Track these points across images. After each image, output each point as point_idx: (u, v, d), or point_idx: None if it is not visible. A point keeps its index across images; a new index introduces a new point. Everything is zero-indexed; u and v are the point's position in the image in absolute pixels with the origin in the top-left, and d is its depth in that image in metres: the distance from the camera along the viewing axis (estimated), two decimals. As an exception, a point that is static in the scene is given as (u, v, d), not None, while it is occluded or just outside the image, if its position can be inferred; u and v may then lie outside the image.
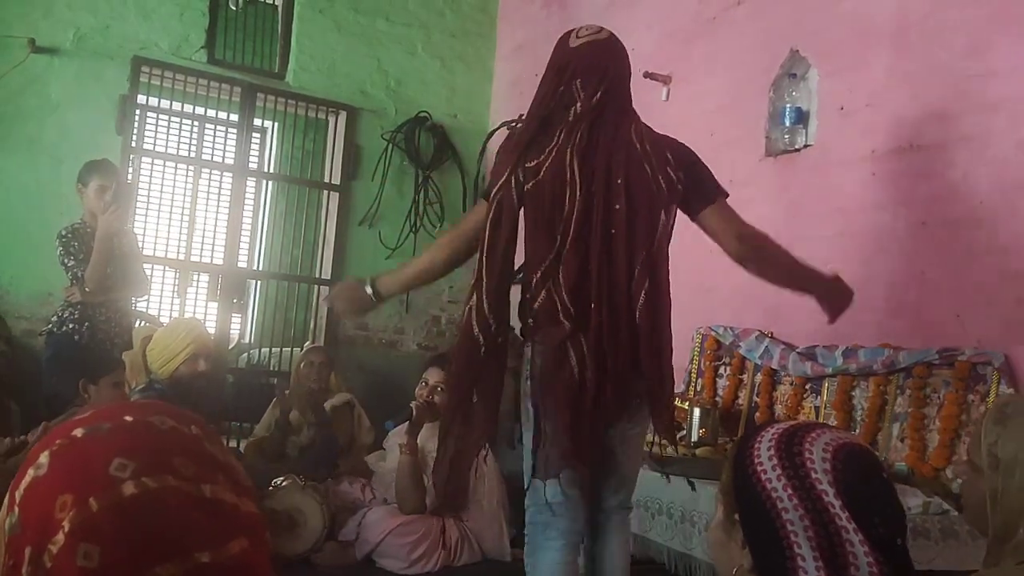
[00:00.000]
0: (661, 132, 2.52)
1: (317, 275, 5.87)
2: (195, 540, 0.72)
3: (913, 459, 3.11)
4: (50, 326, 3.89)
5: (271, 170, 6.60)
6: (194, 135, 5.83)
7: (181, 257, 5.62)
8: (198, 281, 5.71)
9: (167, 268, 5.51)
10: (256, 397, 4.92)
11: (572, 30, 2.48)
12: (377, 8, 5.93)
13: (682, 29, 4.59)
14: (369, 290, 2.57)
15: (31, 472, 0.76)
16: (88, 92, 5.10)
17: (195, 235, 5.57)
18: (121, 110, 5.14)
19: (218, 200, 5.54)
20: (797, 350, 3.64)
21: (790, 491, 1.09)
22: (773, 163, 3.98)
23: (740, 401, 3.91)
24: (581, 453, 2.27)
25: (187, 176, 5.58)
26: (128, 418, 0.79)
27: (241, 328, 6.17)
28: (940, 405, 3.12)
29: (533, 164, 2.33)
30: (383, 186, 5.84)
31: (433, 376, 3.72)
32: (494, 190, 2.37)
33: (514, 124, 4.87)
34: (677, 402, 3.90)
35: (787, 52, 3.93)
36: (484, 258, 2.36)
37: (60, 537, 0.71)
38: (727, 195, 2.47)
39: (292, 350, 5.43)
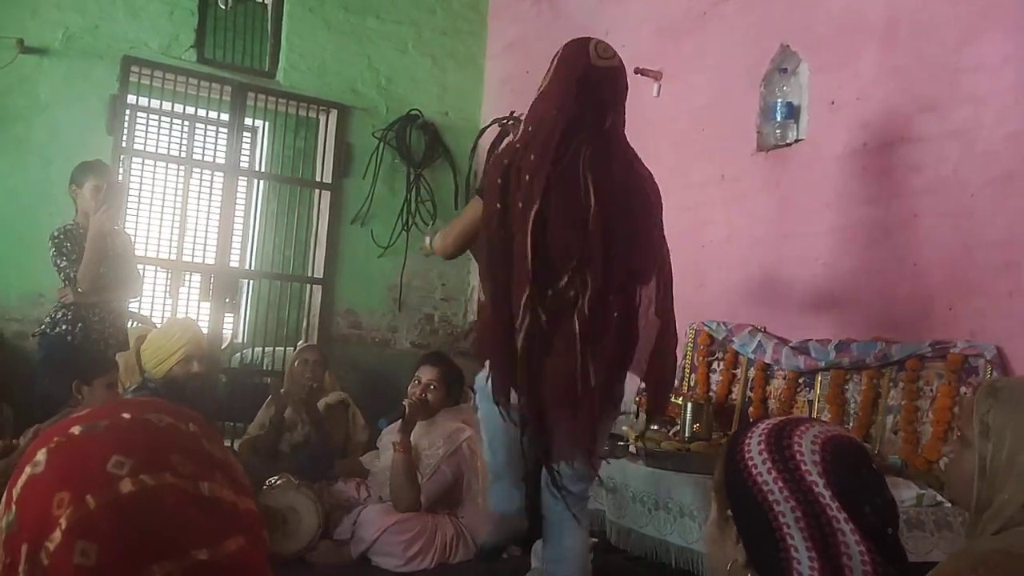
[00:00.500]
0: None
1: (309, 274, 5.87)
2: (193, 538, 0.72)
3: (907, 452, 3.12)
4: (43, 327, 3.87)
5: (262, 169, 6.59)
6: (185, 135, 5.82)
7: (173, 257, 5.60)
8: (190, 281, 5.69)
9: (159, 268, 5.49)
10: (249, 397, 4.91)
11: (586, 42, 2.59)
12: (367, 6, 5.92)
13: (673, 25, 4.59)
14: None
15: (28, 469, 0.75)
16: (78, 92, 5.07)
17: (187, 235, 5.56)
18: (111, 110, 5.12)
19: (209, 200, 5.53)
20: (790, 344, 3.65)
21: (781, 484, 1.10)
22: (764, 158, 3.98)
23: (734, 396, 3.92)
24: None
25: (178, 176, 5.55)
26: (126, 415, 0.78)
27: (234, 328, 6.16)
28: (933, 398, 3.13)
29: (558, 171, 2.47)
30: (375, 184, 5.83)
31: (426, 374, 3.72)
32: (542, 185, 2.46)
33: (506, 121, 4.86)
34: (671, 397, 3.91)
35: (777, 47, 3.94)
36: None
37: (57, 535, 0.70)
38: None
39: (285, 349, 5.43)
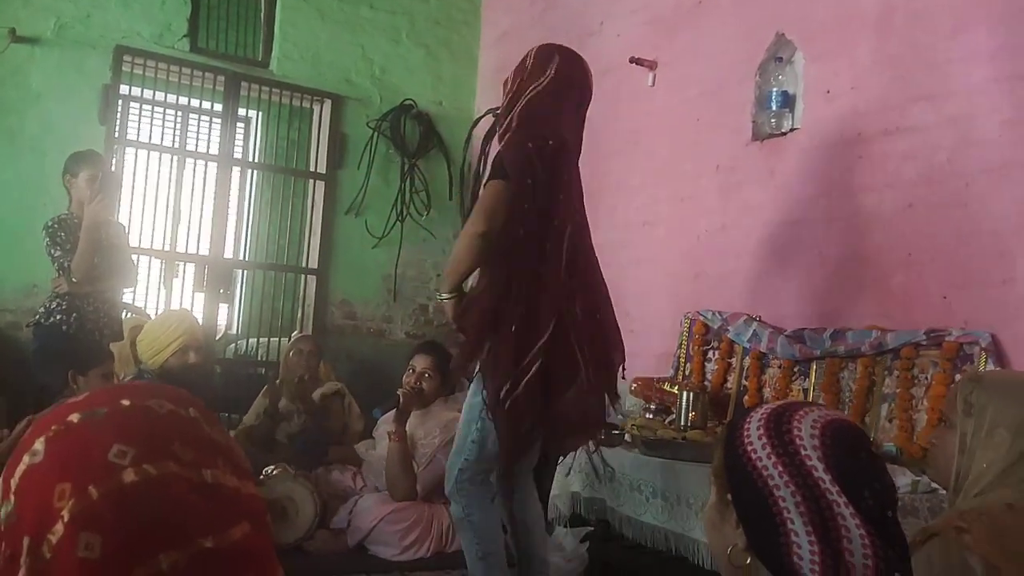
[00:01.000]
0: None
1: (304, 264, 5.85)
2: (198, 526, 0.72)
3: (902, 439, 3.13)
4: (37, 317, 3.86)
5: (256, 159, 6.55)
6: (178, 125, 5.79)
7: (167, 248, 5.58)
8: (184, 272, 5.67)
9: (152, 259, 5.47)
10: (244, 387, 4.91)
11: (572, 52, 2.90)
12: (361, -5, 5.90)
13: (667, 14, 4.58)
14: None
15: (26, 459, 0.74)
16: (70, 82, 5.05)
17: (180, 225, 5.53)
18: (104, 100, 5.10)
19: (203, 190, 5.50)
20: (785, 333, 3.65)
21: (780, 468, 1.10)
22: (760, 147, 3.98)
23: (729, 385, 3.92)
24: None
25: (171, 166, 5.53)
26: (125, 402, 0.77)
27: (228, 318, 6.14)
28: (928, 386, 3.13)
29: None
30: (369, 175, 5.82)
31: (420, 363, 3.72)
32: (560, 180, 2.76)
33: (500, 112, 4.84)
34: (667, 386, 3.92)
35: (772, 36, 3.93)
36: None
37: (60, 527, 0.69)
38: None
39: (280, 340, 5.42)
